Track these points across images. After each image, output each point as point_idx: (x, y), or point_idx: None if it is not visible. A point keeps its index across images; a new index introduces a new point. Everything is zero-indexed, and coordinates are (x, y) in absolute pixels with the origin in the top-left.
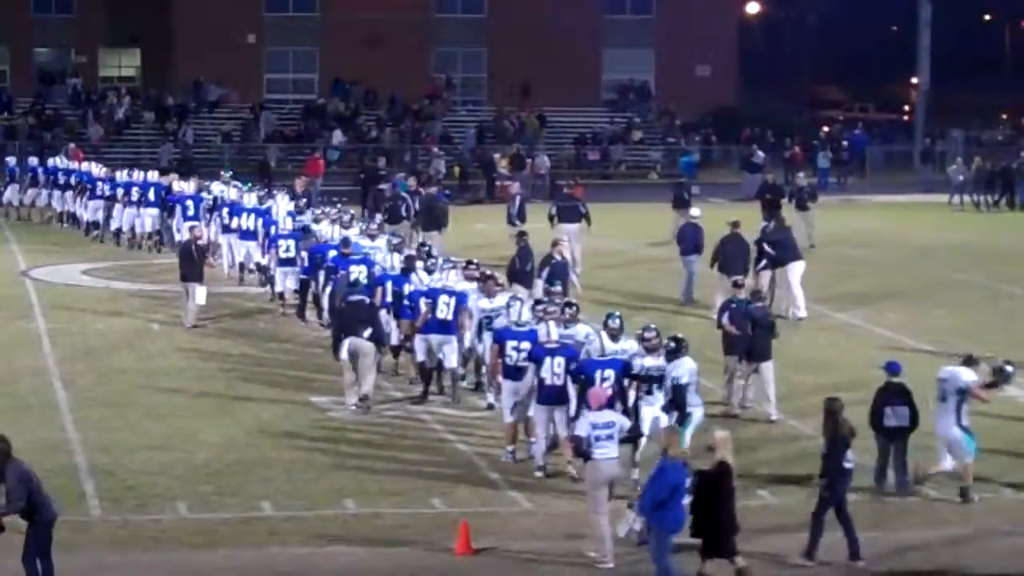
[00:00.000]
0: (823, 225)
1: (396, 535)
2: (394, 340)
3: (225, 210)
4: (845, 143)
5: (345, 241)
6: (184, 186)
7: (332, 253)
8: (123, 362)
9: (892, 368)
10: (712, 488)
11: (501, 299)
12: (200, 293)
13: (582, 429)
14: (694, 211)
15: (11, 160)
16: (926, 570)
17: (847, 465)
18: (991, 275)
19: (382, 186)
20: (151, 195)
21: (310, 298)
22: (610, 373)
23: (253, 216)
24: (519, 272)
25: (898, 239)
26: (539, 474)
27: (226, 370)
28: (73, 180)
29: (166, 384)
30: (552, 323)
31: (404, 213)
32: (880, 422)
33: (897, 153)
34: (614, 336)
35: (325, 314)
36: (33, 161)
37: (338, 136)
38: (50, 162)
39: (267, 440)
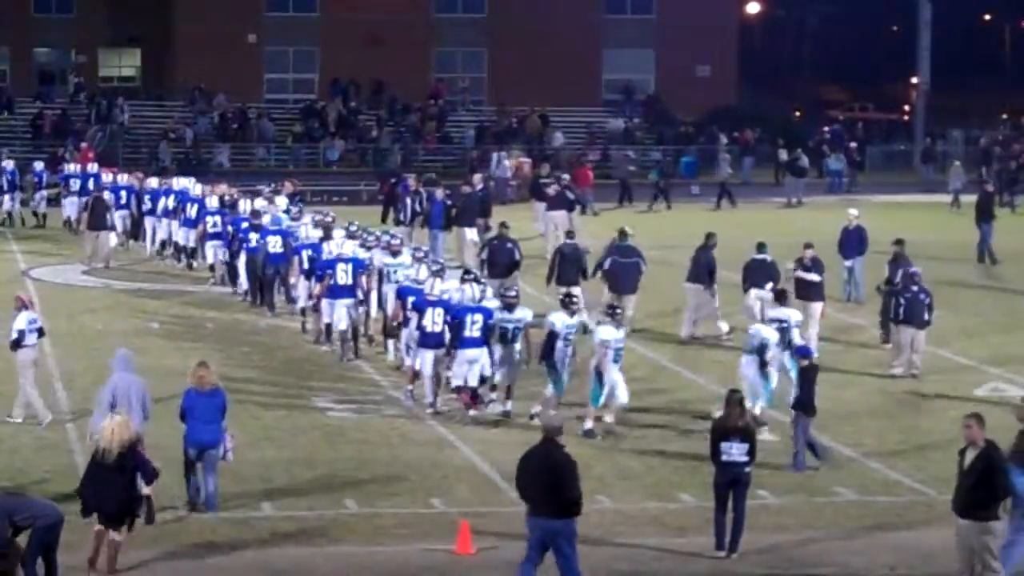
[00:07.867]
0: (822, 224)
1: (396, 535)
2: (302, 303)
3: (146, 196)
4: (853, 144)
5: (255, 213)
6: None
7: (244, 224)
8: None
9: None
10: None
11: (405, 256)
12: (113, 238)
13: (20, 324)
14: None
15: (8, 164)
16: (926, 569)
17: (723, 458)
18: (991, 275)
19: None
20: (89, 185)
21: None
22: (479, 318)
23: (173, 197)
24: (492, 263)
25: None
26: (430, 410)
27: (226, 370)
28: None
29: (166, 384)
30: (437, 280)
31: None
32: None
33: (897, 153)
34: (510, 307)
35: (240, 281)
36: (38, 166)
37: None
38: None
39: (267, 440)
